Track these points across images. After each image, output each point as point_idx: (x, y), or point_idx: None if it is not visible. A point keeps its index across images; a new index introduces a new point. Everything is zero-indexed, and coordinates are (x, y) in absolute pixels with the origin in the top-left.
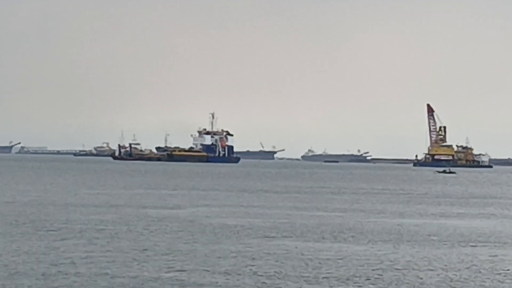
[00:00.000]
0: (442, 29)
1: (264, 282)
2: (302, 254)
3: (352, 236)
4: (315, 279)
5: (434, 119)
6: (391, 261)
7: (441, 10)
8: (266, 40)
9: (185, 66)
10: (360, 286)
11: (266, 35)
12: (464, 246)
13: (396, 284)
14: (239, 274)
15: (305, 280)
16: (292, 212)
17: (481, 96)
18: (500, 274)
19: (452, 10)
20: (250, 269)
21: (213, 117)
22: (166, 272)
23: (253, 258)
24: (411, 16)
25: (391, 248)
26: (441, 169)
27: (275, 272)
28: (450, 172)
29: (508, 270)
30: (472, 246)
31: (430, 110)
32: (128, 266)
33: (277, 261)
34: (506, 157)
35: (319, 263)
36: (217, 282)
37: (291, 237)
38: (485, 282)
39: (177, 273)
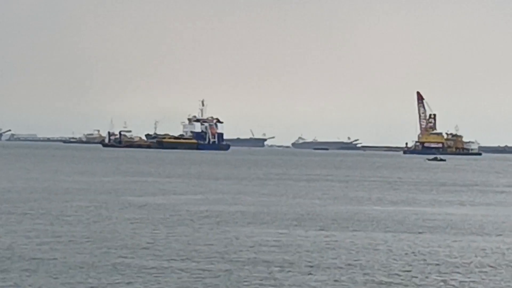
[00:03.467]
0: (432, 17)
1: (243, 268)
2: (279, 241)
3: (339, 224)
4: (296, 265)
5: (424, 107)
6: (365, 247)
7: (430, 0)
8: (256, 28)
9: (176, 54)
10: (344, 272)
11: (257, 23)
12: (441, 234)
13: (379, 270)
14: (218, 261)
15: (286, 266)
16: (281, 199)
17: (471, 84)
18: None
19: (441, 0)
20: (227, 256)
21: (203, 105)
22: (149, 260)
23: (232, 245)
24: (402, 5)
25: (374, 235)
26: (432, 156)
27: (256, 258)
28: (441, 160)
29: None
30: (448, 234)
31: (420, 98)
32: (107, 253)
33: (254, 247)
34: (496, 145)
35: (304, 250)
36: (192, 268)
37: (274, 223)
38: (470, 271)
39: (150, 261)
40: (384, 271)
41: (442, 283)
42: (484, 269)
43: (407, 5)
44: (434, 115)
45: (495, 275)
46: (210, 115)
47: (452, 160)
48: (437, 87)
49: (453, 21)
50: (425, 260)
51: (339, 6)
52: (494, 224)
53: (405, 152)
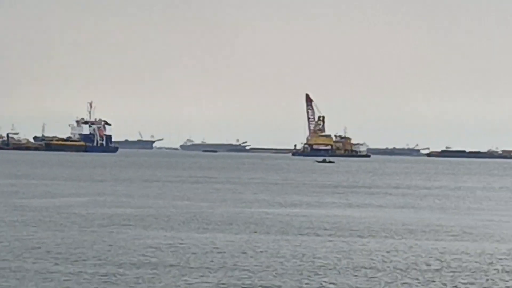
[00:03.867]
0: (320, 17)
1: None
2: (165, 243)
3: (226, 226)
4: (181, 267)
5: (312, 109)
6: (250, 250)
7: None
8: (143, 29)
9: (63, 56)
10: (225, 275)
11: (144, 24)
12: (319, 236)
13: (261, 272)
14: (102, 264)
15: (170, 268)
16: (168, 201)
17: (359, 87)
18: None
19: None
20: (112, 258)
21: (91, 107)
22: (33, 263)
23: (117, 247)
24: (289, 4)
25: (259, 237)
26: (320, 158)
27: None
28: (330, 162)
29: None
30: (333, 235)
31: (309, 100)
32: None
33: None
34: (384, 147)
35: (190, 252)
36: (76, 271)
37: (160, 226)
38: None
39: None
40: (266, 273)
41: (324, 285)
42: (366, 270)
43: (294, 6)
44: (323, 117)
45: (375, 276)
46: (98, 117)
47: (341, 162)
48: (325, 90)
49: (341, 22)
50: (305, 262)
51: (229, 6)
52: (381, 225)
53: (293, 154)
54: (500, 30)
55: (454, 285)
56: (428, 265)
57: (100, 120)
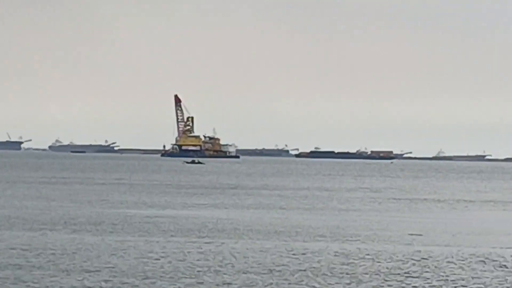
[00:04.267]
0: (189, 17)
1: None
2: (28, 244)
3: (92, 227)
4: (42, 268)
5: (181, 110)
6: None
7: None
8: (11, 29)
9: None
10: (93, 275)
11: (11, 23)
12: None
13: (126, 272)
14: None
15: (32, 269)
16: (34, 203)
17: (228, 88)
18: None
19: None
20: None
21: None
22: None
23: None
24: (164, 7)
25: (127, 238)
26: (189, 159)
27: None
28: (199, 163)
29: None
30: (192, 237)
31: (178, 101)
32: None
33: None
34: (253, 148)
35: (52, 253)
36: None
37: (24, 227)
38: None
39: None
40: (132, 274)
41: (189, 285)
42: (230, 271)
43: (164, 7)
44: (192, 118)
45: (238, 277)
46: None
47: (210, 163)
48: (194, 90)
49: (209, 23)
50: (170, 263)
51: (94, 5)
52: (248, 226)
53: (163, 155)
54: (375, 29)
55: (318, 285)
56: (293, 265)
57: None
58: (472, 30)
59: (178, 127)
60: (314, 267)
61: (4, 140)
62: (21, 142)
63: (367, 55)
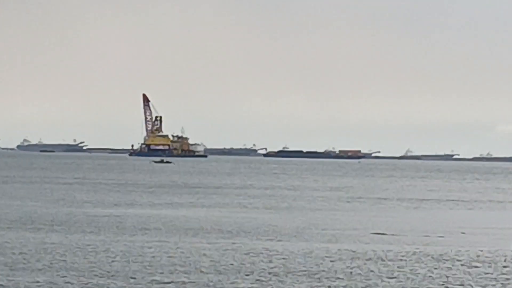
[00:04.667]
0: (158, 16)
1: None
2: None
3: (58, 226)
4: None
5: (150, 109)
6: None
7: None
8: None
9: None
10: (59, 274)
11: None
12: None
13: (92, 271)
14: None
15: None
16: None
17: (196, 86)
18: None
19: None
20: None
21: None
22: None
23: None
24: (126, 6)
25: (92, 237)
26: (158, 158)
27: None
28: (167, 162)
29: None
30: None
31: (146, 100)
32: None
33: None
34: (221, 147)
35: (14, 252)
36: None
37: None
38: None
39: None
40: (95, 273)
41: (150, 283)
42: (192, 270)
43: (131, 6)
44: (160, 117)
45: (200, 276)
46: None
47: (179, 162)
48: (162, 90)
49: (176, 22)
50: (134, 261)
51: (63, 3)
52: (213, 225)
53: (130, 154)
54: (348, 26)
55: (280, 285)
56: (255, 264)
57: None
58: (438, 28)
59: (147, 127)
60: (276, 267)
61: None
62: None
63: (335, 54)
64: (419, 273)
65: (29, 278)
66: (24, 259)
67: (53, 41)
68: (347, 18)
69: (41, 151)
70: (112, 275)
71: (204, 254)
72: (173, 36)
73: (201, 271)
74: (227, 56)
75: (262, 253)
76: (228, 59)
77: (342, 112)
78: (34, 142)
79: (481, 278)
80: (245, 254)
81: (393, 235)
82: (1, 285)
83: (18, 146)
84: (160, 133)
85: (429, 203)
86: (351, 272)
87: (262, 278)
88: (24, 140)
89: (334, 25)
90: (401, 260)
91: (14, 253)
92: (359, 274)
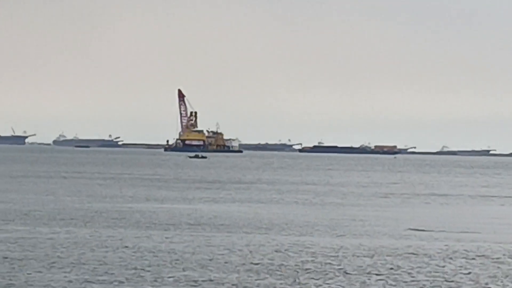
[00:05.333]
0: (192, 11)
1: None
2: (23, 237)
3: (93, 221)
4: (35, 262)
5: (185, 104)
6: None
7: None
8: (16, 23)
9: None
10: (86, 269)
11: (16, 19)
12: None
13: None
14: None
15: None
16: (34, 197)
17: (232, 82)
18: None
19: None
20: None
21: None
22: None
23: None
24: (165, 1)
25: (119, 232)
26: (193, 154)
27: None
28: (202, 157)
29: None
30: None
31: (181, 95)
32: None
33: None
34: (256, 142)
35: (48, 246)
36: None
37: (21, 221)
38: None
39: None
40: (125, 268)
41: (182, 279)
42: (225, 265)
43: (165, 1)
44: (195, 112)
45: (233, 271)
46: None
47: (213, 157)
48: (197, 85)
49: (215, 17)
50: (164, 257)
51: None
52: (247, 220)
53: (166, 150)
54: (367, 24)
55: (314, 281)
56: (288, 260)
57: None
58: (477, 24)
59: (182, 122)
60: (309, 263)
61: (9, 134)
62: (25, 137)
63: (372, 50)
64: (459, 270)
65: (61, 274)
66: (56, 254)
67: (89, 36)
68: (381, 11)
69: (76, 146)
70: (142, 270)
71: (235, 250)
72: (208, 31)
73: (232, 267)
74: (263, 51)
75: (295, 249)
76: (264, 54)
77: (378, 107)
78: (69, 137)
79: None
80: (276, 249)
81: (430, 231)
82: (34, 280)
83: (54, 141)
84: (195, 129)
85: (465, 198)
86: (391, 268)
87: (295, 274)
88: (60, 135)
89: (368, 18)
90: (439, 256)
91: (46, 249)
92: (400, 270)
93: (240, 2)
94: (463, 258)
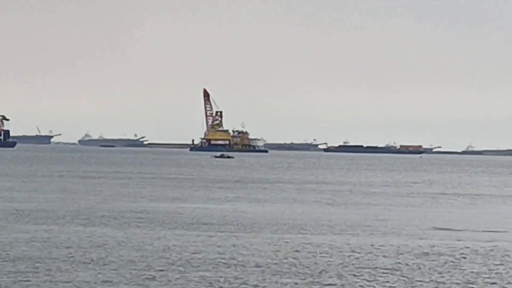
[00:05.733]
0: (217, 11)
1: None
2: (48, 237)
3: (115, 220)
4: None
5: (210, 104)
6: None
7: None
8: (42, 23)
9: None
10: (117, 267)
11: (41, 20)
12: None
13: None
14: None
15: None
16: (61, 196)
17: (257, 81)
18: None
19: None
20: None
21: None
22: None
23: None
24: (190, 1)
25: (142, 231)
26: (219, 153)
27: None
28: (228, 157)
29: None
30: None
31: (207, 95)
32: None
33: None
34: (281, 142)
35: (75, 245)
36: None
37: (49, 220)
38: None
39: None
40: (152, 266)
41: (205, 279)
42: (248, 266)
43: (191, 2)
44: (221, 112)
45: (255, 271)
46: None
47: (239, 157)
48: (223, 84)
49: (237, 18)
50: (187, 256)
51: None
52: (270, 220)
53: (191, 149)
54: (387, 25)
55: (340, 280)
56: (311, 259)
57: None
58: (508, 25)
59: (207, 122)
60: (335, 263)
61: (34, 134)
62: (51, 136)
63: (396, 48)
64: (482, 269)
65: (84, 272)
66: (80, 253)
67: (114, 37)
68: (408, 12)
69: (101, 146)
70: (165, 269)
71: (258, 249)
72: (233, 31)
73: (254, 266)
74: (287, 51)
75: (318, 249)
76: (288, 54)
77: (404, 107)
78: (95, 137)
79: None
80: (300, 249)
81: (457, 230)
82: (58, 279)
83: (80, 141)
84: (221, 128)
85: (490, 198)
86: (415, 267)
87: (318, 274)
88: (86, 135)
89: (395, 19)
90: (463, 255)
91: (70, 247)
92: (424, 269)
93: (266, 2)
94: (486, 257)
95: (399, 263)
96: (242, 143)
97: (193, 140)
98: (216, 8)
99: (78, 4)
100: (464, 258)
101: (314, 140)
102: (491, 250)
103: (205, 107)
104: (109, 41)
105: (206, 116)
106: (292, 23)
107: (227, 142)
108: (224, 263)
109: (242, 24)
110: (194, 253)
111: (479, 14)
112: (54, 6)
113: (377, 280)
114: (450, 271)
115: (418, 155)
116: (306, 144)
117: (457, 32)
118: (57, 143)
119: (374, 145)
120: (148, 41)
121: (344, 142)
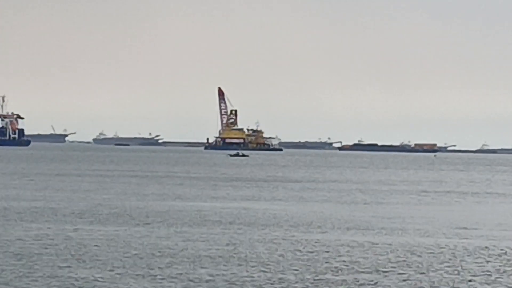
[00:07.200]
0: (231, 10)
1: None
2: (60, 235)
3: (130, 218)
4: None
5: (225, 103)
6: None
7: None
8: (54, 23)
9: None
10: (117, 264)
11: (54, 18)
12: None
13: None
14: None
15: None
16: (75, 194)
17: (271, 80)
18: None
19: None
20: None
21: (3, 100)
22: None
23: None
24: (208, 2)
25: (150, 229)
26: (234, 152)
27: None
28: (243, 155)
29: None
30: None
31: (221, 94)
32: None
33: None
34: (296, 140)
35: (73, 243)
36: None
37: (61, 219)
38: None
39: None
40: (162, 264)
41: (212, 276)
42: (263, 263)
43: (203, 3)
44: (235, 111)
45: (263, 268)
46: (10, 111)
47: (254, 155)
48: (237, 83)
49: (254, 16)
50: (197, 254)
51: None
52: (280, 218)
53: (206, 148)
54: (396, 23)
55: (351, 279)
56: (323, 257)
57: (12, 113)
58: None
59: (222, 120)
60: (347, 259)
61: (49, 133)
62: (66, 135)
63: (411, 47)
64: (495, 267)
65: (95, 271)
66: (91, 252)
67: (129, 35)
68: (423, 10)
69: (116, 144)
70: (172, 267)
71: (268, 248)
72: (248, 30)
73: (265, 265)
74: (302, 50)
75: (330, 247)
76: (303, 53)
77: (418, 105)
78: (109, 135)
79: None
80: (313, 247)
81: (474, 229)
82: (69, 278)
83: (94, 140)
84: (235, 127)
85: (505, 197)
86: (428, 265)
87: (331, 271)
88: (100, 133)
89: (409, 17)
90: (476, 253)
91: (82, 246)
92: (437, 267)
93: (281, 1)
94: (500, 256)
95: (413, 261)
96: (256, 142)
97: (207, 139)
98: (231, 7)
99: (92, 2)
100: (477, 256)
101: (329, 138)
102: (507, 248)
103: (220, 106)
104: (124, 40)
105: (221, 114)
106: (307, 22)
107: (241, 140)
108: (231, 260)
109: (257, 23)
110: (207, 251)
111: (494, 11)
112: (69, 4)
113: (391, 277)
114: (462, 270)
115: (433, 154)
116: (321, 142)
117: (472, 30)
118: (72, 141)
119: (389, 143)
120: (163, 40)
121: (359, 141)
